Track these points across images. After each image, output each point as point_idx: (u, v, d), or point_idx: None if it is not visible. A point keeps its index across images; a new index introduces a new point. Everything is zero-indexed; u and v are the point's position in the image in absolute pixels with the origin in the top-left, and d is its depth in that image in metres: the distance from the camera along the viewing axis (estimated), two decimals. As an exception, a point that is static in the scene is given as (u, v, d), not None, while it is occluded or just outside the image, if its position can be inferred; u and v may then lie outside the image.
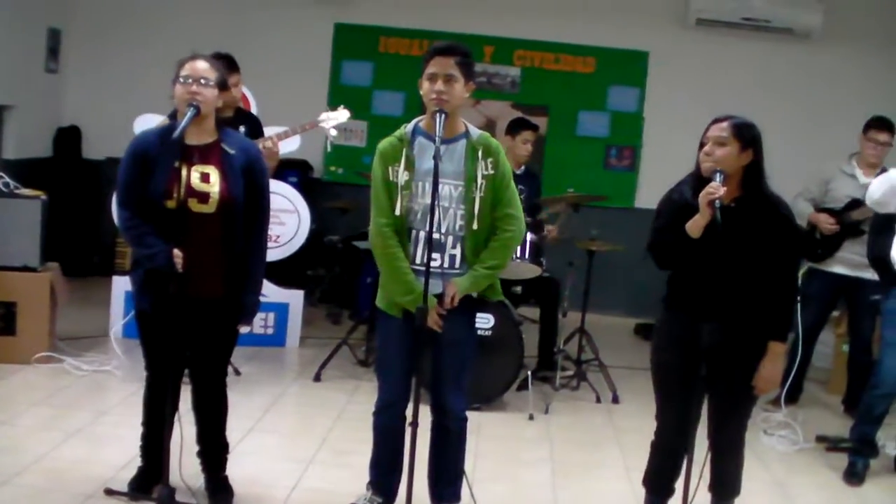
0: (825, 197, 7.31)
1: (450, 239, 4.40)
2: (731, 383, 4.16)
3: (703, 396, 4.27)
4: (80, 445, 5.34)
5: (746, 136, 4.15)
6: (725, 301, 4.07)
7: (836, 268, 7.24)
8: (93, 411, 5.90)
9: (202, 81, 4.22)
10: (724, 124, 4.17)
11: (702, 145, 4.24)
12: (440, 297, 4.32)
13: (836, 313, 7.97)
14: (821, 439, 6.63)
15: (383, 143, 4.43)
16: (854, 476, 5.94)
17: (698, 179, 4.23)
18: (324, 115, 6.62)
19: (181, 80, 4.23)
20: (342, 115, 6.65)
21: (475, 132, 4.47)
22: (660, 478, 4.55)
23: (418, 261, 4.36)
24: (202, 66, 4.26)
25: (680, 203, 4.25)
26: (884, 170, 6.92)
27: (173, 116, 5.51)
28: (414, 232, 4.40)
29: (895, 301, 5.82)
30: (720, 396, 4.20)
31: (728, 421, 4.31)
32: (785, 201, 4.28)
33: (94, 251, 10.12)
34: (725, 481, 4.47)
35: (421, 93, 4.32)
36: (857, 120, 7.44)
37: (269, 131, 6.62)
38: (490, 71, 10.46)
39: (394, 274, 4.38)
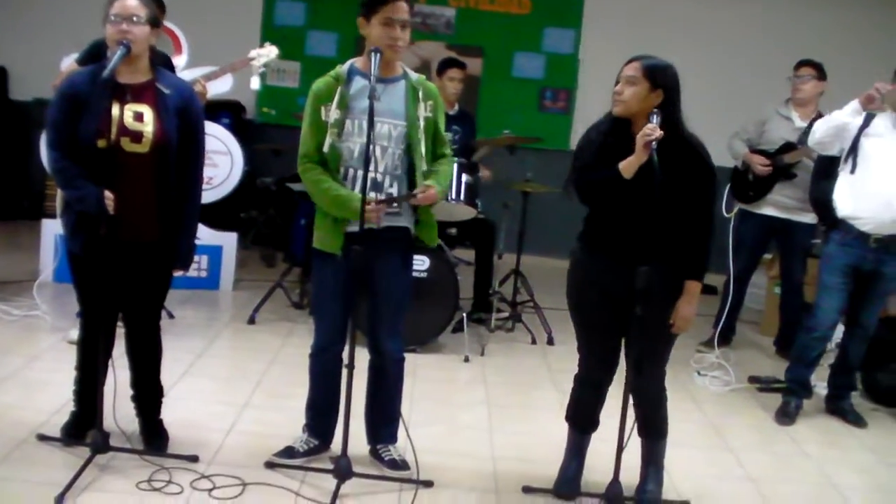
0: (761, 138, 7.36)
1: (387, 178, 4.37)
2: (650, 323, 4.17)
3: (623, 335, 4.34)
4: (11, 391, 5.26)
5: (657, 76, 4.12)
6: (656, 243, 4.07)
7: (767, 210, 7.29)
8: (24, 356, 5.81)
9: (133, 19, 4.12)
10: (636, 64, 4.14)
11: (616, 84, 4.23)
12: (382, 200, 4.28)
13: (768, 256, 8.05)
14: (753, 380, 6.72)
15: (317, 82, 4.38)
16: (787, 416, 6.03)
17: (617, 121, 4.22)
18: (254, 53, 6.52)
19: (111, 18, 4.13)
20: (271, 51, 6.55)
21: (413, 75, 4.46)
22: (584, 409, 4.56)
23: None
24: (132, 3, 4.15)
25: (599, 143, 4.23)
26: (819, 114, 7.02)
27: (88, 58, 5.43)
28: (351, 171, 4.36)
29: (834, 246, 5.86)
30: (640, 337, 4.16)
31: (649, 361, 4.32)
32: (700, 141, 4.24)
33: (22, 195, 9.97)
34: (652, 422, 4.49)
35: (364, 33, 4.29)
36: (791, 62, 7.47)
37: (199, 71, 6.50)
38: (425, 11, 10.39)
39: (327, 197, 4.33)
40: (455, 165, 6.54)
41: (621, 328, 4.30)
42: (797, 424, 5.99)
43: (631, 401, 4.23)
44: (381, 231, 4.28)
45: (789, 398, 6.12)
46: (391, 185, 4.38)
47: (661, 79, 4.13)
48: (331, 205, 4.33)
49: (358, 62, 4.39)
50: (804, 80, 7.18)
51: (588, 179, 4.21)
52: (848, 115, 5.81)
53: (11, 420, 4.81)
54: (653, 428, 4.51)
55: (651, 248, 4.04)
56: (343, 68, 4.41)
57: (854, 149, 5.78)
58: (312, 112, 4.35)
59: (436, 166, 4.46)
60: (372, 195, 4.21)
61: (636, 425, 4.40)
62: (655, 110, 4.08)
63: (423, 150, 4.37)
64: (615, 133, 4.20)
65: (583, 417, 4.58)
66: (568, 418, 4.64)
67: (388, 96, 4.31)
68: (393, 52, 4.26)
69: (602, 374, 4.46)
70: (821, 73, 7.19)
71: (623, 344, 4.39)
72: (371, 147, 4.11)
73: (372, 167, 4.19)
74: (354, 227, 4.25)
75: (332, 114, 4.30)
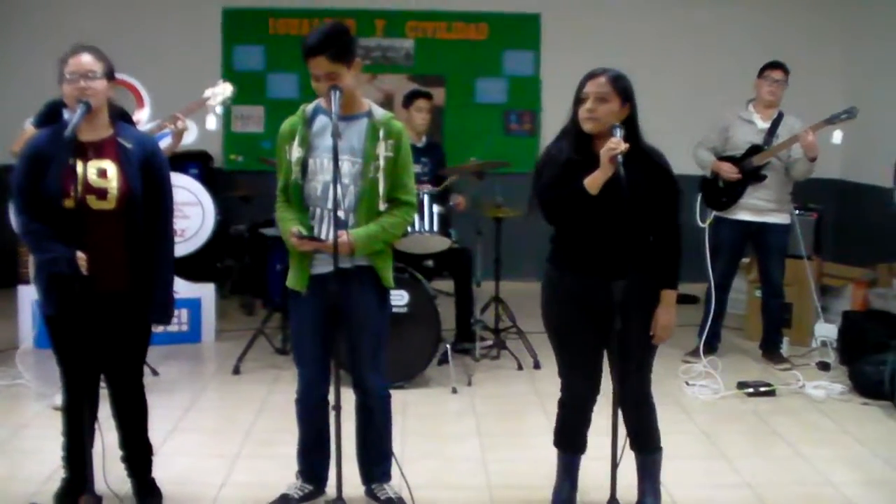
0: (726, 145, 7.39)
1: (351, 216, 4.36)
2: (632, 335, 4.16)
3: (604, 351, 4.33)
4: (0, 462, 5.21)
5: (624, 88, 4.14)
6: (628, 255, 4.07)
7: (740, 214, 7.32)
8: (10, 426, 5.76)
9: (89, 75, 4.11)
10: (602, 79, 4.13)
11: (578, 100, 4.20)
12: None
13: (746, 260, 8.08)
14: (742, 385, 6.72)
15: (284, 123, 4.45)
16: None
17: (578, 136, 4.20)
18: (208, 92, 6.45)
19: (67, 77, 4.12)
20: (226, 88, 6.49)
21: (378, 112, 4.46)
22: (571, 432, 4.53)
23: (323, 238, 4.31)
24: (87, 59, 4.15)
25: (562, 160, 4.20)
26: (780, 114, 7.08)
27: (45, 120, 5.41)
28: (318, 210, 4.39)
29: None
30: (622, 351, 4.15)
31: (633, 374, 4.30)
32: (660, 151, 4.27)
33: (-6, 262, 9.87)
34: (643, 435, 4.46)
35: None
36: (748, 67, 7.53)
37: (153, 124, 6.44)
38: (384, 45, 10.42)
39: (282, 228, 4.41)
40: (426, 197, 6.55)
41: (602, 343, 4.29)
42: (789, 427, 5.99)
43: (620, 416, 4.22)
44: (351, 270, 4.28)
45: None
46: (356, 223, 4.36)
47: (628, 92, 4.15)
48: (283, 235, 4.40)
49: (323, 101, 4.39)
50: (780, 84, 7.23)
51: (553, 197, 4.19)
52: None
53: (3, 492, 4.76)
54: (645, 440, 4.48)
55: (624, 260, 4.04)
56: (309, 107, 4.45)
57: None
58: (279, 151, 4.43)
59: (385, 214, 4.42)
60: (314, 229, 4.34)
61: (628, 441, 4.37)
62: (618, 124, 4.08)
63: (381, 188, 4.36)
64: (577, 149, 4.20)
65: (570, 441, 4.55)
66: (556, 442, 4.60)
67: (348, 133, 4.32)
68: (324, 101, 4.29)
69: (586, 394, 4.43)
70: (788, 76, 7.25)
71: (605, 360, 4.38)
72: (335, 185, 4.11)
73: (332, 205, 4.19)
74: (323, 269, 4.30)
75: (295, 152, 4.34)
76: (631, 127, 4.14)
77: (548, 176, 4.23)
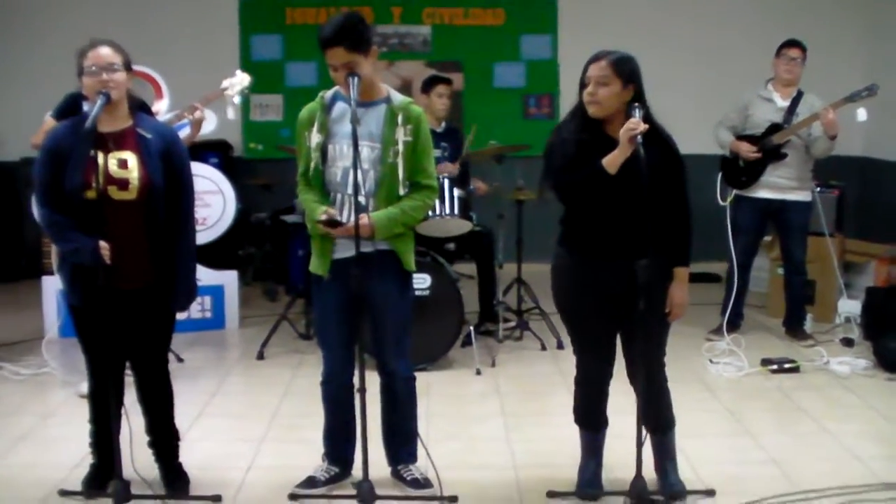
0: (745, 124, 7.37)
1: (371, 201, 4.38)
2: (648, 315, 4.15)
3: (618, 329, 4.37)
4: (28, 450, 5.26)
5: (626, 71, 4.12)
6: (646, 235, 4.06)
7: (761, 192, 7.31)
8: (37, 415, 5.81)
9: (112, 67, 4.14)
10: (603, 63, 4.12)
11: (582, 85, 4.21)
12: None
13: (767, 238, 8.06)
14: (766, 362, 6.71)
15: (303, 110, 4.48)
16: None
17: (585, 119, 4.22)
18: (226, 83, 6.43)
19: (90, 70, 4.15)
20: (244, 79, 6.47)
21: (397, 97, 4.47)
22: (590, 408, 4.54)
23: (344, 222, 4.32)
24: (106, 52, 4.18)
25: (575, 141, 4.20)
26: (800, 92, 7.07)
27: (64, 112, 5.45)
28: (339, 196, 4.41)
29: None
30: (643, 330, 4.14)
31: (648, 353, 4.30)
32: (664, 127, 4.26)
33: (19, 254, 9.94)
34: (659, 414, 4.45)
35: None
36: (767, 45, 7.51)
37: (171, 115, 6.46)
38: (401, 31, 10.41)
39: (307, 210, 4.45)
40: (446, 181, 6.56)
41: (617, 324, 4.32)
42: (814, 403, 5.99)
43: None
44: (373, 254, 4.28)
45: None
46: (376, 207, 4.38)
47: (630, 73, 4.14)
48: (308, 219, 4.43)
49: (342, 88, 4.39)
50: (797, 62, 7.21)
51: (570, 179, 4.18)
52: None
53: (32, 479, 4.80)
54: (662, 420, 4.48)
55: (645, 240, 4.02)
56: (328, 94, 4.47)
57: None
58: (298, 137, 4.46)
59: (406, 197, 4.43)
60: (335, 213, 4.32)
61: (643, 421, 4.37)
62: (637, 105, 4.08)
63: (400, 173, 4.37)
64: (588, 130, 4.20)
65: (590, 416, 4.57)
66: (577, 420, 4.62)
67: (367, 119, 4.34)
68: (343, 89, 4.29)
69: (601, 372, 4.45)
70: (806, 54, 7.22)
71: (619, 339, 4.40)
72: (356, 170, 4.11)
73: (353, 190, 4.19)
74: (345, 253, 4.33)
75: (314, 138, 4.37)
76: (643, 105, 4.14)
77: (560, 158, 4.22)
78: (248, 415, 5.91)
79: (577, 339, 4.49)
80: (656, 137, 4.15)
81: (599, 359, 4.43)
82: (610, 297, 4.24)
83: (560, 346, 7.21)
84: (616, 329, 4.36)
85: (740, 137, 7.33)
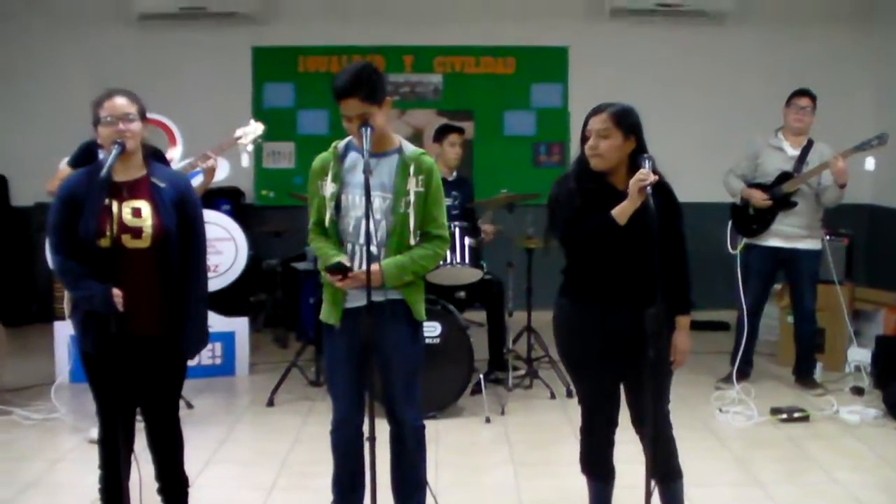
0: (755, 172, 7.41)
1: (382, 250, 4.40)
2: (648, 364, 4.13)
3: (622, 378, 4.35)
4: (38, 496, 5.28)
5: (627, 123, 4.14)
6: (652, 283, 4.05)
7: (771, 241, 7.33)
8: (47, 460, 5.82)
9: (127, 118, 4.19)
10: (604, 115, 4.14)
11: (584, 138, 4.23)
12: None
13: (777, 286, 8.07)
14: (775, 411, 6.70)
15: (316, 160, 4.50)
16: None
17: (587, 172, 4.23)
18: (239, 132, 6.50)
19: (106, 120, 4.19)
20: (257, 128, 6.54)
21: (409, 148, 4.49)
22: (596, 458, 4.50)
23: None
24: (121, 101, 4.22)
25: (580, 192, 4.20)
26: (810, 141, 7.12)
27: (80, 160, 5.51)
28: (350, 246, 4.43)
29: None
30: (649, 379, 4.11)
31: (657, 402, 4.28)
32: (663, 175, 4.25)
33: (30, 299, 10.00)
34: (669, 464, 4.41)
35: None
36: (776, 94, 7.56)
37: (185, 163, 6.51)
38: (412, 80, 10.49)
39: (320, 258, 4.48)
40: (457, 230, 6.59)
41: (622, 372, 4.31)
42: (824, 452, 5.97)
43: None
44: (384, 303, 4.30)
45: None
46: (386, 257, 4.39)
47: (631, 125, 4.16)
48: (320, 265, 4.44)
49: (355, 139, 4.43)
50: (807, 111, 7.26)
51: (579, 230, 4.20)
52: None
53: (41, 525, 4.81)
54: (670, 469, 4.43)
55: (646, 287, 4.02)
56: (340, 144, 4.50)
57: None
58: (311, 186, 4.48)
59: (416, 247, 4.45)
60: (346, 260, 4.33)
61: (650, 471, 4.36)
62: (647, 156, 4.10)
63: (411, 223, 4.40)
64: (593, 181, 4.22)
65: (596, 466, 4.52)
66: (583, 470, 4.58)
67: (379, 170, 4.37)
68: (356, 139, 4.33)
69: (606, 421, 4.42)
70: (815, 103, 7.27)
71: (623, 387, 4.39)
72: (368, 221, 4.13)
73: (364, 239, 4.22)
74: (356, 302, 4.34)
75: (328, 188, 4.39)
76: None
77: (567, 210, 4.23)
78: (257, 462, 5.92)
79: (582, 388, 4.48)
80: (660, 187, 4.17)
81: (604, 407, 4.41)
82: (614, 345, 4.24)
83: (570, 394, 7.20)
84: (621, 377, 4.36)
85: (751, 185, 7.36)
